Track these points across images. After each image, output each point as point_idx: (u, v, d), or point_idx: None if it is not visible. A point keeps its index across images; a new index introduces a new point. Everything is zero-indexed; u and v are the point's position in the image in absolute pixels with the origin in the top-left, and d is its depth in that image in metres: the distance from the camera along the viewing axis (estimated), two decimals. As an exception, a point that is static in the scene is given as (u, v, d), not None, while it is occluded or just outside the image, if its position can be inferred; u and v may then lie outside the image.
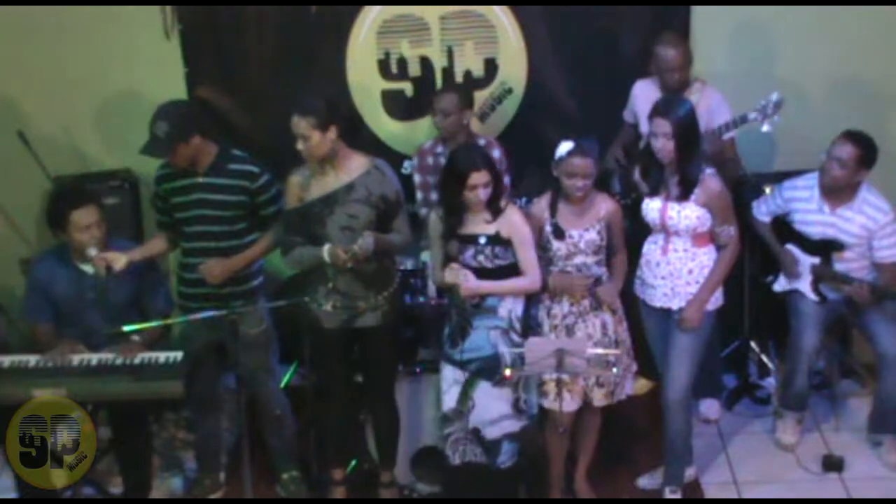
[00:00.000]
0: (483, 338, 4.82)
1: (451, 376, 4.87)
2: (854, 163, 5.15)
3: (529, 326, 4.96)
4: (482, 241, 4.77)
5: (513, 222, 4.78)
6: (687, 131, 4.75)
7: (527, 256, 4.80)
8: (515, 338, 4.83)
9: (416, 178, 5.73)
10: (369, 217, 4.83)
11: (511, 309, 4.84)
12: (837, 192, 5.26)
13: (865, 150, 5.16)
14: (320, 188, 4.86)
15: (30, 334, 5.17)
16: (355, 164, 4.88)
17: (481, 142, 5.61)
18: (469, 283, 4.73)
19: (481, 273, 4.78)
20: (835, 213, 5.29)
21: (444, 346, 4.92)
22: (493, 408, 4.84)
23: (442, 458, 4.99)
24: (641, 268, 5.06)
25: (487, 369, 4.81)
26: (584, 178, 4.76)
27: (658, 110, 4.80)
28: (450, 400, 4.87)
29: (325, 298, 4.90)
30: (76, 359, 4.89)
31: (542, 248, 4.91)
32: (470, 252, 4.79)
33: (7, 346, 5.87)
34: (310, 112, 4.73)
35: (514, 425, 4.86)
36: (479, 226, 4.78)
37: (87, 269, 4.97)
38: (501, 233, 4.77)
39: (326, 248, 4.79)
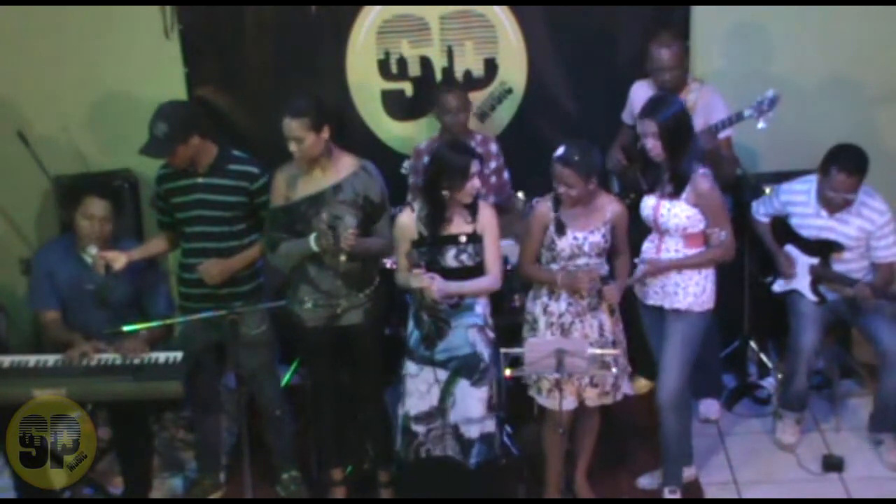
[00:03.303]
0: (461, 336, 4.82)
1: (430, 377, 4.85)
2: (856, 188, 5.16)
3: (526, 322, 4.97)
4: (463, 239, 4.78)
5: (486, 218, 4.81)
6: (674, 130, 4.76)
7: (493, 253, 4.83)
8: (490, 334, 4.85)
9: (412, 180, 5.72)
10: (354, 218, 4.81)
11: (485, 305, 4.88)
12: None
13: (862, 171, 5.15)
14: (307, 187, 4.85)
15: (37, 324, 5.16)
16: (344, 165, 4.88)
17: (478, 137, 5.64)
18: (438, 285, 4.72)
19: (463, 272, 4.79)
20: (833, 217, 5.29)
21: (417, 348, 4.89)
22: (472, 407, 4.84)
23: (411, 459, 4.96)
24: (639, 266, 5.07)
25: (466, 367, 4.81)
26: (567, 187, 4.75)
27: (645, 111, 4.82)
28: (432, 399, 4.86)
29: (307, 298, 4.89)
30: (88, 358, 4.89)
31: (547, 247, 4.91)
32: (451, 252, 4.79)
33: (7, 346, 5.88)
34: (303, 113, 4.71)
35: (484, 427, 4.86)
36: (459, 226, 4.79)
37: (90, 259, 4.98)
38: (477, 230, 4.80)
39: (313, 236, 4.77)
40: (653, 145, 4.78)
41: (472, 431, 4.86)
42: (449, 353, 4.84)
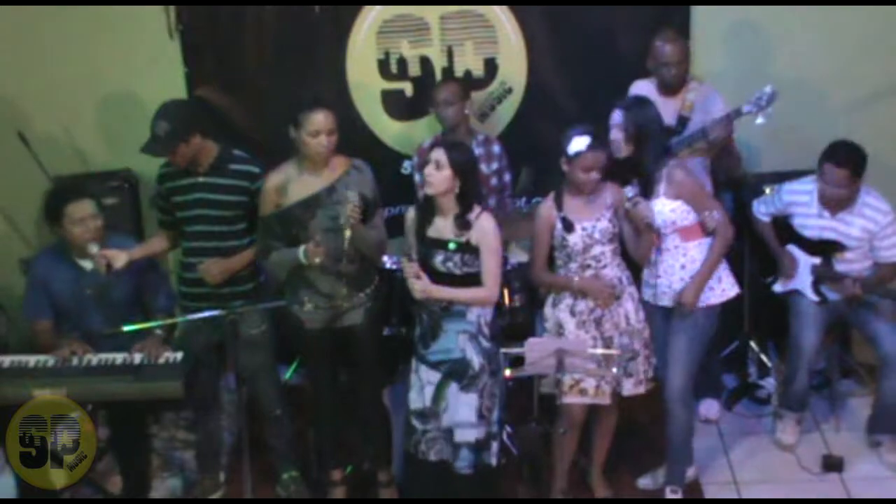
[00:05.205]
0: (452, 340, 4.77)
1: (424, 377, 4.83)
2: (846, 181, 5.16)
3: (547, 331, 4.94)
4: (451, 246, 4.71)
5: (484, 230, 4.70)
6: (642, 129, 4.78)
7: (489, 266, 4.72)
8: (484, 343, 4.78)
9: (417, 178, 5.73)
10: (356, 194, 4.77)
11: (480, 314, 4.79)
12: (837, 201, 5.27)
13: (853, 166, 5.15)
14: (301, 191, 4.82)
15: (29, 332, 5.17)
16: (335, 165, 4.86)
17: (480, 137, 5.62)
18: (420, 283, 4.69)
19: (449, 278, 4.74)
20: (835, 217, 5.29)
21: (417, 346, 4.88)
22: (461, 412, 4.79)
23: (413, 454, 4.93)
24: (643, 269, 5.06)
25: (456, 372, 4.77)
26: (599, 171, 4.77)
27: (621, 103, 4.87)
28: (426, 399, 4.82)
29: (306, 299, 4.89)
30: (88, 359, 4.89)
31: (559, 247, 4.90)
32: (440, 257, 4.74)
33: (7, 346, 5.87)
34: (332, 105, 4.73)
35: (474, 434, 4.80)
36: (450, 232, 4.73)
37: (86, 265, 4.98)
38: (472, 240, 4.71)
39: (301, 249, 4.76)
40: (614, 135, 4.81)
41: (462, 435, 4.80)
42: (441, 354, 4.79)
